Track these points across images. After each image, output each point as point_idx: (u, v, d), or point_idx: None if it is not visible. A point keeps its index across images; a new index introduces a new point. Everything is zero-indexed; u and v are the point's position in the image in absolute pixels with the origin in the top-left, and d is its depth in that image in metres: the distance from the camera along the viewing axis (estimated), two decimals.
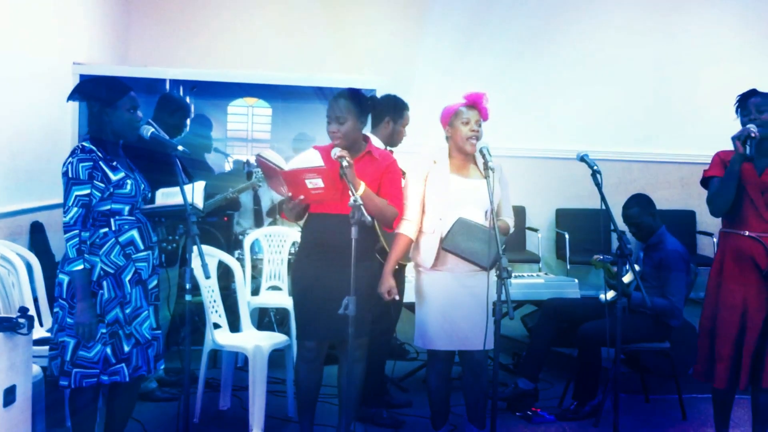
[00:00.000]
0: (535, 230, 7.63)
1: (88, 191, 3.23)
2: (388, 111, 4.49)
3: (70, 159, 3.24)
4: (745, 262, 3.72)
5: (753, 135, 3.60)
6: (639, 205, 4.77)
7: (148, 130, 3.41)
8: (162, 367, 3.52)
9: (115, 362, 3.30)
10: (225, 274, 4.92)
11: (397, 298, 3.76)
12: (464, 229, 3.58)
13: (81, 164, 3.23)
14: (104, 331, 3.27)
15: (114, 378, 3.30)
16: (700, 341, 3.89)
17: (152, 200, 3.49)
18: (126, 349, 3.32)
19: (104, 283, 3.27)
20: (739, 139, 3.63)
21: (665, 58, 7.95)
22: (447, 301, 3.72)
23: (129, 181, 3.33)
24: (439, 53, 7.70)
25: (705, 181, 3.89)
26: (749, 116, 3.72)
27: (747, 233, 3.72)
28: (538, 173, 7.61)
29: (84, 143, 3.31)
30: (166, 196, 3.45)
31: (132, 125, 3.36)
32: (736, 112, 3.82)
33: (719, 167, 3.81)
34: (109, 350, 3.28)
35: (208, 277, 3.40)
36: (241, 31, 7.65)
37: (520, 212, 7.39)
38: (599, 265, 4.63)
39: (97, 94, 3.33)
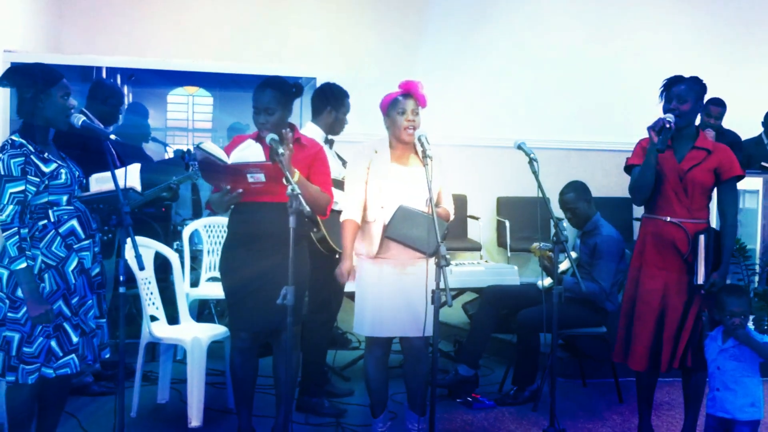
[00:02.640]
0: (477, 218, 7.68)
1: (22, 187, 3.18)
2: (329, 100, 4.47)
3: (1, 156, 3.19)
4: (666, 247, 3.81)
5: (668, 126, 3.66)
6: (575, 191, 4.84)
7: (78, 119, 3.35)
8: (107, 356, 3.50)
9: (63, 355, 3.25)
10: (163, 266, 4.85)
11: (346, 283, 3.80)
12: (406, 216, 3.59)
13: (12, 160, 3.18)
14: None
15: (63, 371, 3.25)
16: (619, 323, 3.97)
17: (87, 187, 3.44)
18: (74, 340, 3.28)
19: (45, 276, 3.23)
20: (654, 129, 3.69)
21: (602, 46, 8.05)
22: (389, 289, 3.74)
23: (63, 171, 3.29)
24: (378, 43, 7.69)
25: (628, 169, 3.96)
26: (670, 105, 3.78)
27: (669, 219, 3.80)
28: (480, 162, 7.65)
29: (14, 137, 3.27)
30: (101, 182, 3.40)
31: (64, 113, 3.32)
32: (660, 96, 3.86)
33: (641, 156, 3.87)
34: (53, 343, 3.23)
35: (142, 268, 3.33)
36: (180, 19, 7.50)
37: (461, 201, 7.42)
38: (538, 253, 4.69)
39: (30, 81, 3.28)
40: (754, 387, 3.58)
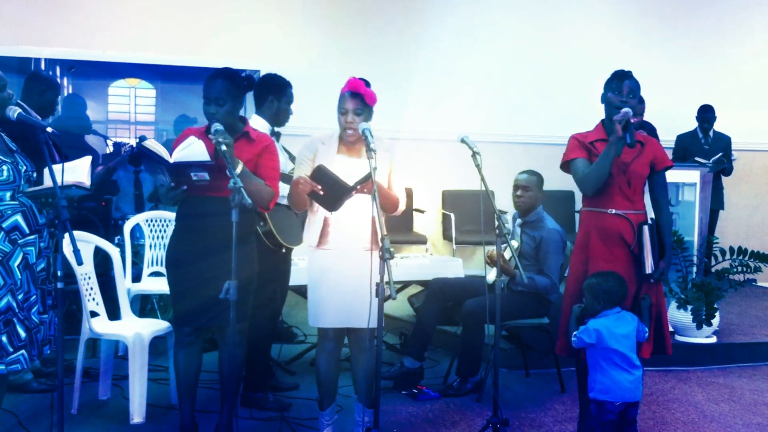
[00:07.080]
0: (422, 211, 7.73)
1: None
2: (270, 90, 4.43)
3: None
4: (612, 239, 3.85)
5: (633, 120, 3.71)
6: (536, 176, 4.90)
7: (14, 111, 3.31)
8: (48, 352, 3.45)
9: (13, 351, 3.23)
10: (104, 261, 4.77)
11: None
12: (322, 174, 3.52)
13: None
14: None
15: (14, 367, 3.24)
16: (563, 316, 4.01)
17: (38, 181, 3.39)
18: (23, 335, 3.25)
19: None
20: (620, 123, 3.70)
21: (545, 42, 8.17)
22: (333, 279, 3.73)
23: (5, 167, 3.25)
24: (323, 38, 7.67)
25: (566, 165, 3.97)
26: (621, 98, 3.82)
27: (613, 211, 3.86)
28: (425, 155, 7.69)
29: None
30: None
31: (3, 105, 3.28)
32: (608, 87, 3.86)
33: (579, 149, 3.89)
34: (4, 338, 3.21)
35: (80, 263, 3.27)
36: (122, 10, 7.36)
37: (406, 194, 7.46)
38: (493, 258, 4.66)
39: None
40: (606, 370, 3.65)
